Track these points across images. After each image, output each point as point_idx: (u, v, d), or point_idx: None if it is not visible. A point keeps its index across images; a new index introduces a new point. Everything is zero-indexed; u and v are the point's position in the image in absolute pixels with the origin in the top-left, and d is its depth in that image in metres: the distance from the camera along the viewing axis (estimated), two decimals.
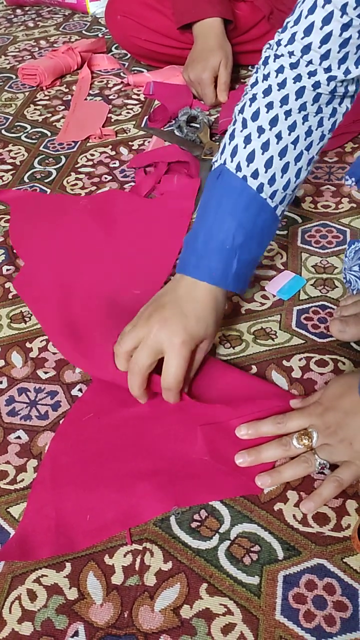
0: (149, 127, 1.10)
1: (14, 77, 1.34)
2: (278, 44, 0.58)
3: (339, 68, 0.55)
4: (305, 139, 0.58)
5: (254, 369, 0.64)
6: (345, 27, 0.52)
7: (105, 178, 0.98)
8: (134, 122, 1.13)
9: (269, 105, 0.57)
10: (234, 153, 0.59)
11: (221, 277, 0.58)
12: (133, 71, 1.31)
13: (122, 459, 0.56)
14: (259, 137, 0.58)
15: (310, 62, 0.56)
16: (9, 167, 1.03)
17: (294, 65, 0.57)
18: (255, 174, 0.58)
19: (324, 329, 0.68)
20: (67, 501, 0.53)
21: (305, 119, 0.57)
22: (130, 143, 1.07)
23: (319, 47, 0.54)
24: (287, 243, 0.80)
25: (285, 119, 0.57)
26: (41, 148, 1.08)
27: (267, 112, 0.58)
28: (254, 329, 0.69)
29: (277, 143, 0.58)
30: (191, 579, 0.48)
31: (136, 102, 1.20)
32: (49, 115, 1.19)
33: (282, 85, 0.57)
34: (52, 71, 1.29)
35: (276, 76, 0.58)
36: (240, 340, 0.68)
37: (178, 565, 0.49)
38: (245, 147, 0.58)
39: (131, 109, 1.18)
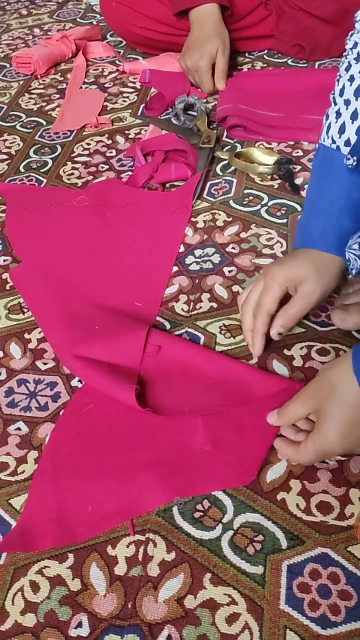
0: (146, 116, 1.09)
1: (8, 65, 1.32)
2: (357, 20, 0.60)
3: None
4: None
5: (255, 359, 0.64)
6: None
7: (102, 167, 0.97)
8: (130, 111, 1.11)
9: (351, 79, 0.60)
10: (328, 129, 0.63)
11: (328, 245, 0.60)
12: (129, 59, 1.29)
13: (123, 450, 0.56)
14: (347, 109, 0.61)
15: None
16: (5, 156, 1.02)
17: None
18: (347, 142, 0.61)
19: (325, 317, 0.67)
20: (68, 493, 0.53)
21: None
22: (126, 132, 1.05)
23: None
24: (286, 231, 0.80)
25: None
26: (37, 137, 1.07)
27: (351, 85, 0.60)
28: None
29: None
30: (195, 569, 0.48)
31: (132, 90, 1.18)
32: (44, 104, 1.17)
33: (358, 58, 0.59)
34: (47, 59, 1.28)
35: (352, 52, 0.60)
36: (241, 330, 0.67)
37: (181, 555, 0.49)
38: (336, 122, 0.62)
39: (127, 97, 1.16)
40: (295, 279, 0.59)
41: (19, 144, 1.05)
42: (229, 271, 0.75)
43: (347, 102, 0.61)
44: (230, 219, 0.83)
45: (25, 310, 0.73)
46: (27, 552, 0.50)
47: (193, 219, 0.84)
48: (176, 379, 0.62)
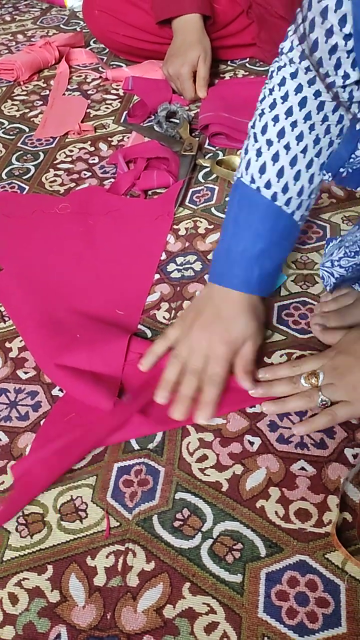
0: (129, 123, 1.09)
1: None
2: (281, 52, 0.59)
3: (336, 74, 0.54)
4: (314, 147, 0.59)
5: None
6: (329, 33, 0.51)
7: (85, 174, 0.97)
8: (113, 118, 1.12)
9: (275, 119, 0.59)
10: (247, 166, 0.61)
11: (244, 283, 0.62)
12: (112, 66, 1.30)
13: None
14: (268, 149, 0.59)
15: (308, 68, 0.56)
16: None
17: (294, 75, 0.57)
18: (268, 185, 0.60)
19: (304, 325, 0.68)
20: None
21: (311, 128, 0.58)
22: (109, 139, 1.06)
23: (311, 55, 0.53)
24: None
25: (292, 130, 0.58)
26: (19, 144, 1.06)
27: (274, 125, 0.59)
28: None
29: (287, 154, 0.59)
30: (174, 579, 0.48)
31: (115, 97, 1.19)
32: (27, 110, 1.17)
33: (285, 97, 0.58)
34: (30, 66, 1.28)
35: (279, 89, 0.58)
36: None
37: (161, 565, 0.49)
38: (257, 160, 0.60)
39: (110, 104, 1.16)
40: (233, 345, 0.61)
41: (1, 151, 1.05)
42: None
43: (268, 143, 0.59)
44: (212, 226, 0.84)
45: (6, 318, 0.73)
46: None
47: (175, 227, 0.84)
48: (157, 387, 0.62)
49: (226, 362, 0.60)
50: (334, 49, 0.51)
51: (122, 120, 1.10)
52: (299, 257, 0.77)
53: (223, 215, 0.85)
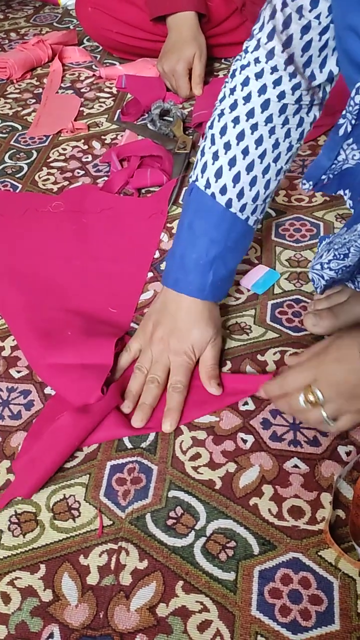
0: (122, 121, 1.09)
1: None
2: (245, 51, 0.57)
3: (303, 72, 0.54)
4: (272, 152, 0.58)
5: (229, 364, 0.64)
6: (305, 29, 0.51)
7: (78, 173, 0.97)
8: (106, 116, 1.11)
9: (235, 120, 0.58)
10: (203, 169, 0.60)
11: (199, 290, 0.62)
12: (105, 64, 1.29)
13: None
14: (225, 153, 0.58)
15: (275, 68, 0.55)
16: None
17: (259, 75, 0.56)
18: (223, 190, 0.59)
19: (298, 322, 0.68)
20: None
21: (272, 131, 0.57)
22: (102, 137, 1.05)
23: (282, 52, 0.53)
24: (261, 237, 0.80)
25: (252, 133, 0.57)
26: (12, 142, 1.06)
27: (234, 127, 0.58)
28: (229, 324, 0.69)
29: (244, 158, 0.58)
30: (167, 577, 0.48)
31: (108, 95, 1.18)
32: (20, 108, 1.16)
33: (247, 98, 0.57)
34: (23, 64, 1.27)
35: (242, 89, 0.57)
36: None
37: (154, 563, 0.48)
38: (213, 164, 0.59)
39: (103, 102, 1.16)
40: (171, 333, 0.62)
41: None
42: None
43: (226, 146, 0.58)
44: None
45: None
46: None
47: (168, 225, 0.84)
48: None
49: (187, 370, 0.61)
50: (307, 46, 0.51)
51: (115, 119, 1.10)
52: (292, 255, 0.77)
53: None
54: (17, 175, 0.97)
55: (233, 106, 0.58)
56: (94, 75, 1.26)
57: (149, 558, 0.49)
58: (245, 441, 0.56)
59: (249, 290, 0.73)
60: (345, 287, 0.67)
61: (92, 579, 0.48)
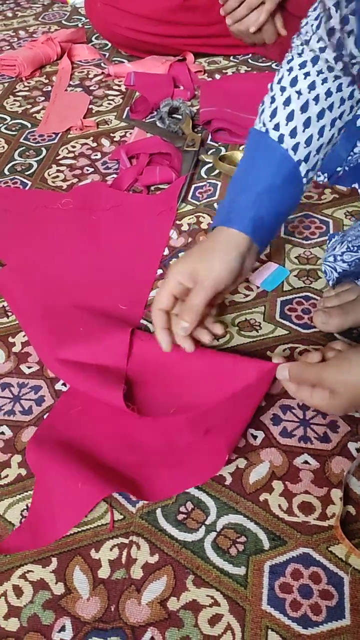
0: (131, 119, 1.09)
1: None
2: (306, 33, 0.60)
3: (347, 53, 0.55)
4: (338, 107, 0.60)
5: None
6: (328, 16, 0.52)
7: (87, 170, 0.97)
8: (115, 113, 1.12)
9: (306, 74, 0.60)
10: (273, 114, 0.61)
11: (239, 222, 0.59)
12: (114, 61, 1.30)
13: (109, 452, 0.56)
14: (298, 98, 0.60)
15: (324, 49, 0.58)
16: None
17: (322, 50, 0.59)
18: (293, 133, 0.60)
19: (307, 319, 0.68)
20: (55, 492, 0.53)
21: (339, 88, 0.59)
22: (111, 134, 1.06)
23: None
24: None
25: (322, 84, 0.59)
26: (21, 140, 1.06)
27: (305, 78, 0.60)
28: (238, 321, 0.69)
29: (316, 104, 0.59)
30: (178, 571, 0.48)
31: (117, 93, 1.19)
32: (29, 106, 1.17)
33: (314, 60, 0.60)
34: (32, 62, 1.28)
35: (309, 51, 0.60)
36: (224, 332, 0.68)
37: (164, 557, 0.49)
38: (284, 109, 0.60)
39: (112, 100, 1.16)
40: (190, 270, 0.58)
41: (3, 147, 1.05)
42: None
43: (282, 89, 0.61)
44: None
45: (9, 313, 0.73)
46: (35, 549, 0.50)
47: (177, 222, 0.84)
48: (160, 377, 0.62)
49: (202, 294, 0.57)
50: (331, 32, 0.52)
51: (124, 116, 1.10)
52: (301, 252, 0.77)
53: None
54: (26, 173, 0.98)
55: (289, 61, 0.61)
56: (102, 72, 1.26)
57: (160, 552, 0.49)
58: (255, 437, 0.57)
59: (258, 287, 0.73)
60: (355, 285, 0.67)
61: (104, 572, 0.48)
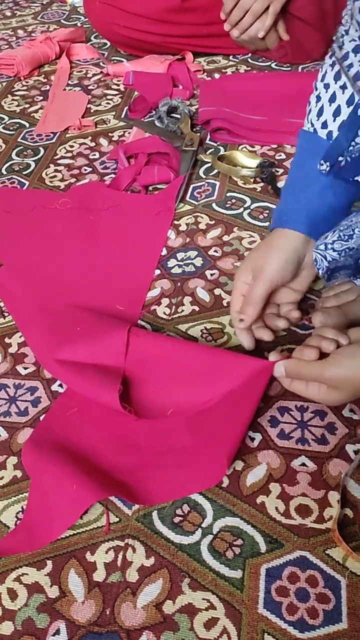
0: (129, 118, 1.09)
1: None
2: (346, 22, 0.61)
3: None
4: None
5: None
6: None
7: (85, 170, 0.97)
8: (113, 113, 1.11)
9: (350, 66, 0.60)
10: (320, 113, 0.62)
11: (293, 221, 0.62)
12: (112, 61, 1.29)
13: (106, 454, 0.56)
14: (343, 92, 0.60)
15: None
16: None
17: None
18: (324, 125, 0.61)
19: (305, 320, 0.67)
20: (51, 494, 0.52)
21: None
22: (110, 134, 1.05)
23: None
24: (267, 234, 0.80)
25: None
26: (19, 139, 1.06)
27: (348, 71, 0.60)
28: None
29: (343, 93, 0.60)
30: (173, 574, 0.47)
31: (116, 92, 1.18)
32: (27, 106, 1.16)
33: (356, 50, 0.59)
34: (30, 61, 1.27)
35: (351, 46, 0.60)
36: (222, 333, 0.67)
37: (160, 560, 0.48)
38: (330, 105, 0.61)
39: (111, 99, 1.16)
40: (251, 268, 0.62)
41: (1, 146, 1.04)
42: (211, 274, 0.75)
43: (326, 86, 0.61)
44: (213, 222, 0.83)
45: (5, 314, 0.73)
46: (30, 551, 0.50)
47: (176, 222, 0.84)
48: (158, 372, 0.61)
49: (259, 288, 0.60)
50: None
51: (122, 116, 1.10)
52: None
53: (224, 211, 0.85)
54: (24, 172, 0.97)
55: (345, 57, 0.61)
56: (101, 72, 1.26)
57: (156, 555, 0.49)
58: (252, 439, 0.56)
59: None
60: (354, 286, 0.67)
61: (99, 575, 0.48)
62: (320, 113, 0.62)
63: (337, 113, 0.60)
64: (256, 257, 0.62)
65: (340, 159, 0.50)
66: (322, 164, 0.52)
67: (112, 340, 0.63)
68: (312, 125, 0.62)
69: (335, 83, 0.61)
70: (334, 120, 0.61)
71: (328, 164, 0.52)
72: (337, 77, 0.61)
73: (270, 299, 0.63)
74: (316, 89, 0.63)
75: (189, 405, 0.58)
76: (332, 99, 0.61)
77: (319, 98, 0.63)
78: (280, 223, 0.63)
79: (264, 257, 0.62)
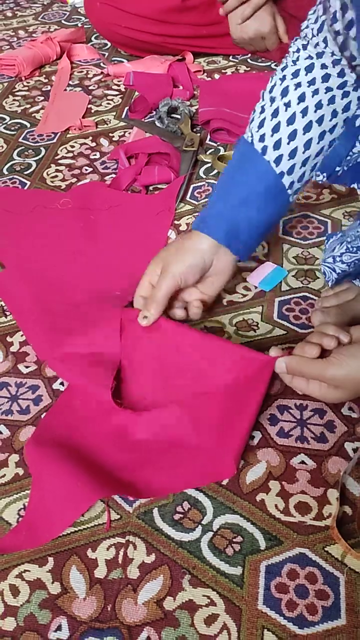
0: (130, 118, 1.09)
1: None
2: (305, 36, 0.60)
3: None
4: (330, 120, 0.59)
5: None
6: (334, 19, 0.53)
7: (86, 170, 0.97)
8: (114, 113, 1.12)
9: (298, 85, 0.60)
10: (260, 125, 0.62)
11: (211, 226, 0.62)
12: (113, 61, 1.30)
13: (108, 451, 0.56)
14: (285, 110, 0.60)
15: (333, 53, 0.57)
16: None
17: (319, 55, 0.59)
18: (277, 144, 0.60)
19: (305, 320, 0.68)
20: (51, 491, 0.53)
21: (331, 100, 0.59)
22: (110, 134, 1.06)
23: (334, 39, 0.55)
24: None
25: (312, 97, 0.59)
26: (20, 139, 1.06)
27: (295, 89, 0.60)
28: (236, 321, 0.69)
29: (303, 117, 0.59)
30: (174, 571, 0.48)
31: (116, 92, 1.19)
32: (28, 106, 1.17)
33: (309, 68, 0.59)
34: (31, 61, 1.28)
35: (305, 59, 0.60)
36: (222, 332, 0.68)
37: (161, 557, 0.49)
38: (271, 120, 0.61)
39: (111, 99, 1.16)
40: (163, 263, 0.63)
41: (2, 146, 1.05)
42: None
43: (272, 100, 0.61)
44: None
45: (7, 313, 0.73)
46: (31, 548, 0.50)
47: (176, 222, 0.84)
48: (155, 358, 0.62)
49: (163, 287, 0.62)
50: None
51: (123, 116, 1.10)
52: (299, 252, 0.77)
53: None
54: (25, 172, 0.98)
55: (283, 68, 0.61)
56: (102, 72, 1.26)
57: (156, 552, 0.49)
58: (252, 437, 0.57)
59: (256, 288, 0.73)
60: (353, 285, 0.67)
61: (100, 572, 0.48)
62: (261, 125, 0.61)
63: (276, 129, 0.60)
64: (166, 255, 0.64)
65: (338, 168, 0.50)
66: (320, 174, 0.52)
67: (107, 328, 0.64)
68: (252, 135, 0.62)
69: (281, 99, 0.60)
70: (272, 136, 0.60)
71: (325, 174, 0.52)
72: (284, 93, 0.60)
73: (177, 295, 0.65)
74: (262, 99, 0.62)
75: (186, 392, 0.59)
76: (275, 114, 0.60)
77: (262, 109, 0.62)
78: (199, 226, 0.63)
79: (173, 256, 0.63)
